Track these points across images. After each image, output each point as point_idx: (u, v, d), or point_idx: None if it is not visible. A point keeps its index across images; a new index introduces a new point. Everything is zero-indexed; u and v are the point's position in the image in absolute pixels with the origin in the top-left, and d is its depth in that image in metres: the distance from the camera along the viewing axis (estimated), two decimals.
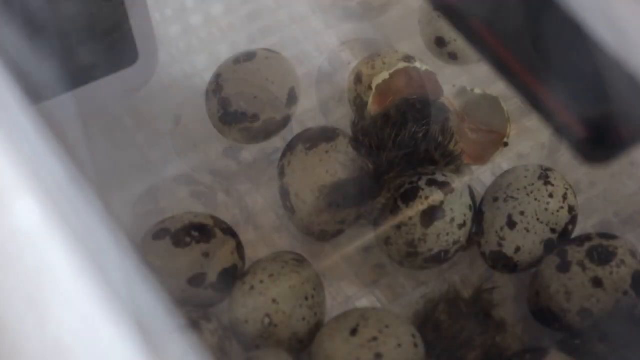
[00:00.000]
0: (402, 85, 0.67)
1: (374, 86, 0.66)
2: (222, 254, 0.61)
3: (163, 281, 0.59)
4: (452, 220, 0.61)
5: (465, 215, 0.62)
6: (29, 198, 0.35)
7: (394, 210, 0.61)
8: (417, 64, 0.66)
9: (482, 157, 0.65)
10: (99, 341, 0.33)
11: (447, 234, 0.61)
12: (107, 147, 0.68)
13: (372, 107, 0.66)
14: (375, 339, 0.56)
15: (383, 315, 0.57)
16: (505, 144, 0.65)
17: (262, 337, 0.58)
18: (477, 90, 0.66)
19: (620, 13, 0.38)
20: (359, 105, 0.67)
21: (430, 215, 0.61)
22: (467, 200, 0.62)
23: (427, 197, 0.61)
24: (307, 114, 0.70)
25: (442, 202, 0.61)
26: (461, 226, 0.62)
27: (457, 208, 0.61)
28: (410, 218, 0.61)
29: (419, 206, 0.61)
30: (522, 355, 0.58)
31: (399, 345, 0.55)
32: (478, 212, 0.63)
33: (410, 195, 0.61)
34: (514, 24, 0.41)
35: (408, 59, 0.67)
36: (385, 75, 0.66)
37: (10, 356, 0.36)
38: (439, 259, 0.62)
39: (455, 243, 0.62)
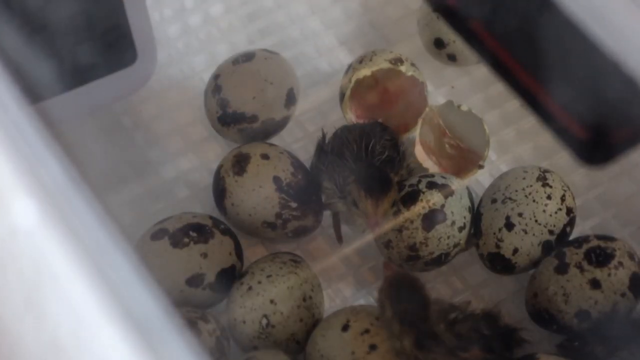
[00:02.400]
0: (379, 85, 0.68)
1: (353, 80, 0.66)
2: (220, 254, 0.60)
3: (161, 281, 0.59)
4: (453, 223, 0.61)
5: (465, 217, 0.62)
6: (27, 198, 0.35)
7: (395, 213, 0.61)
8: (403, 68, 0.66)
9: (457, 174, 0.65)
10: (97, 341, 0.33)
11: (448, 237, 0.61)
12: (106, 147, 0.68)
13: (347, 102, 0.66)
14: (367, 331, 0.56)
15: (372, 309, 0.57)
16: (481, 167, 0.65)
17: (260, 338, 0.58)
18: (464, 107, 0.65)
19: (619, 15, 0.38)
20: (341, 96, 0.67)
21: (432, 218, 0.61)
22: (467, 202, 0.62)
23: (427, 201, 0.61)
24: (306, 114, 0.70)
25: (442, 205, 0.61)
26: (461, 229, 0.62)
27: (457, 211, 0.61)
28: (412, 222, 0.61)
29: (420, 210, 0.61)
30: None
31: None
32: (476, 213, 0.63)
33: (410, 199, 0.61)
34: (513, 26, 0.41)
35: (396, 61, 0.67)
36: (366, 72, 0.66)
37: (9, 356, 0.36)
38: (439, 261, 0.62)
39: (455, 246, 0.62)
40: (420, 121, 0.66)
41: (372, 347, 0.55)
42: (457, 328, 0.55)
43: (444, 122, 0.66)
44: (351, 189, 0.60)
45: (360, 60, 0.67)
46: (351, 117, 0.67)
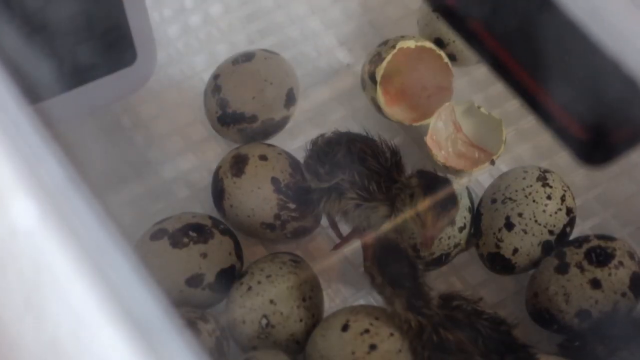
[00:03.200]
0: (420, 60, 0.67)
1: (397, 46, 0.65)
2: (220, 254, 0.60)
3: (161, 282, 0.59)
4: (453, 223, 0.61)
5: (465, 217, 0.62)
6: (27, 198, 0.35)
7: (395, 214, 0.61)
8: (443, 54, 0.66)
9: (464, 170, 0.65)
10: (97, 341, 0.33)
11: (449, 237, 0.61)
12: (106, 147, 0.68)
13: (384, 67, 0.65)
14: (367, 331, 0.56)
15: (372, 309, 0.57)
16: (493, 162, 0.65)
17: (259, 338, 0.58)
18: (484, 110, 0.66)
19: (619, 15, 0.38)
20: (374, 61, 0.67)
21: None
22: (467, 202, 0.62)
23: None
24: (306, 114, 0.70)
25: None
26: (462, 229, 0.62)
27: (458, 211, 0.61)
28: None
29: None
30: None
31: (391, 334, 0.56)
32: (476, 213, 0.63)
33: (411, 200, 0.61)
34: (513, 26, 0.41)
35: (439, 43, 0.67)
36: (411, 43, 0.66)
37: (8, 356, 0.36)
38: (440, 261, 0.62)
39: (456, 246, 0.62)
40: (435, 114, 0.66)
41: (372, 347, 0.55)
42: (454, 313, 0.55)
43: (462, 122, 0.66)
44: (415, 192, 0.57)
45: (403, 37, 0.67)
46: (380, 94, 0.66)
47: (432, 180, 0.58)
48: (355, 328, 0.56)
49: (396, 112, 0.67)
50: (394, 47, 0.66)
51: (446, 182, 0.59)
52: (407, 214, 0.58)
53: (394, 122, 0.68)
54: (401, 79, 0.68)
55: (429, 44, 0.66)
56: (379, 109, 0.67)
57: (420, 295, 0.56)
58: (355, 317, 0.57)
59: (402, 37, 0.67)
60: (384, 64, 0.65)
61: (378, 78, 0.66)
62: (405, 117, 0.67)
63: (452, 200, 0.58)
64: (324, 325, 0.58)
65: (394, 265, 0.56)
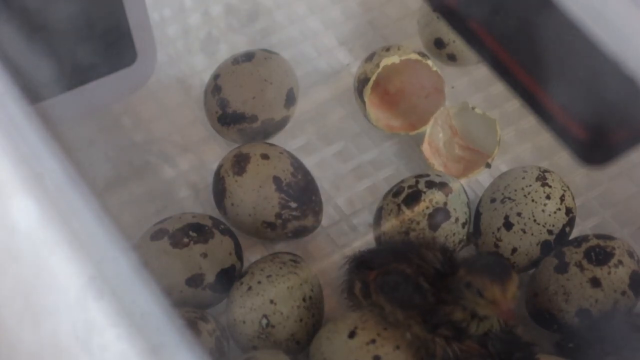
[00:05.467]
0: (407, 73, 0.67)
1: (381, 65, 0.66)
2: (220, 254, 0.60)
3: (161, 281, 0.59)
4: (457, 220, 0.61)
5: (465, 213, 0.62)
6: (27, 198, 0.35)
7: (398, 215, 0.61)
8: (430, 63, 0.66)
9: (461, 174, 0.65)
10: (96, 341, 0.33)
11: (454, 234, 0.61)
12: (106, 147, 0.68)
13: (371, 87, 0.66)
14: (373, 341, 0.56)
15: (381, 318, 0.57)
16: (488, 165, 0.65)
17: (259, 338, 0.58)
18: (478, 110, 0.66)
19: (619, 15, 0.38)
20: (362, 80, 0.67)
21: (437, 217, 0.61)
22: (465, 197, 0.63)
23: (430, 200, 0.61)
24: (306, 114, 0.70)
25: (445, 203, 0.61)
26: (464, 225, 0.62)
27: (459, 207, 0.62)
28: (418, 223, 0.61)
29: (424, 209, 0.61)
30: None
31: (397, 347, 0.56)
32: (475, 213, 0.63)
33: (413, 200, 0.61)
34: (513, 26, 0.41)
35: (423, 54, 0.67)
36: (395, 59, 0.66)
37: (8, 356, 0.36)
38: None
39: (460, 242, 0.62)
40: (432, 120, 0.66)
41: (376, 359, 0.55)
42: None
43: (457, 124, 0.67)
44: (472, 279, 0.54)
45: (387, 49, 0.67)
46: (369, 105, 0.67)
47: (477, 260, 0.57)
48: (362, 336, 0.56)
49: (389, 123, 0.68)
50: (377, 65, 0.65)
51: (489, 256, 0.60)
52: (474, 303, 0.55)
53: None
54: (394, 87, 0.68)
55: (415, 56, 0.66)
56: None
57: (434, 311, 0.55)
58: (363, 324, 0.56)
59: (387, 50, 0.67)
60: (370, 83, 0.66)
61: (366, 99, 0.66)
62: (399, 127, 0.68)
63: (507, 268, 0.55)
64: (331, 327, 0.57)
65: (399, 289, 0.56)
